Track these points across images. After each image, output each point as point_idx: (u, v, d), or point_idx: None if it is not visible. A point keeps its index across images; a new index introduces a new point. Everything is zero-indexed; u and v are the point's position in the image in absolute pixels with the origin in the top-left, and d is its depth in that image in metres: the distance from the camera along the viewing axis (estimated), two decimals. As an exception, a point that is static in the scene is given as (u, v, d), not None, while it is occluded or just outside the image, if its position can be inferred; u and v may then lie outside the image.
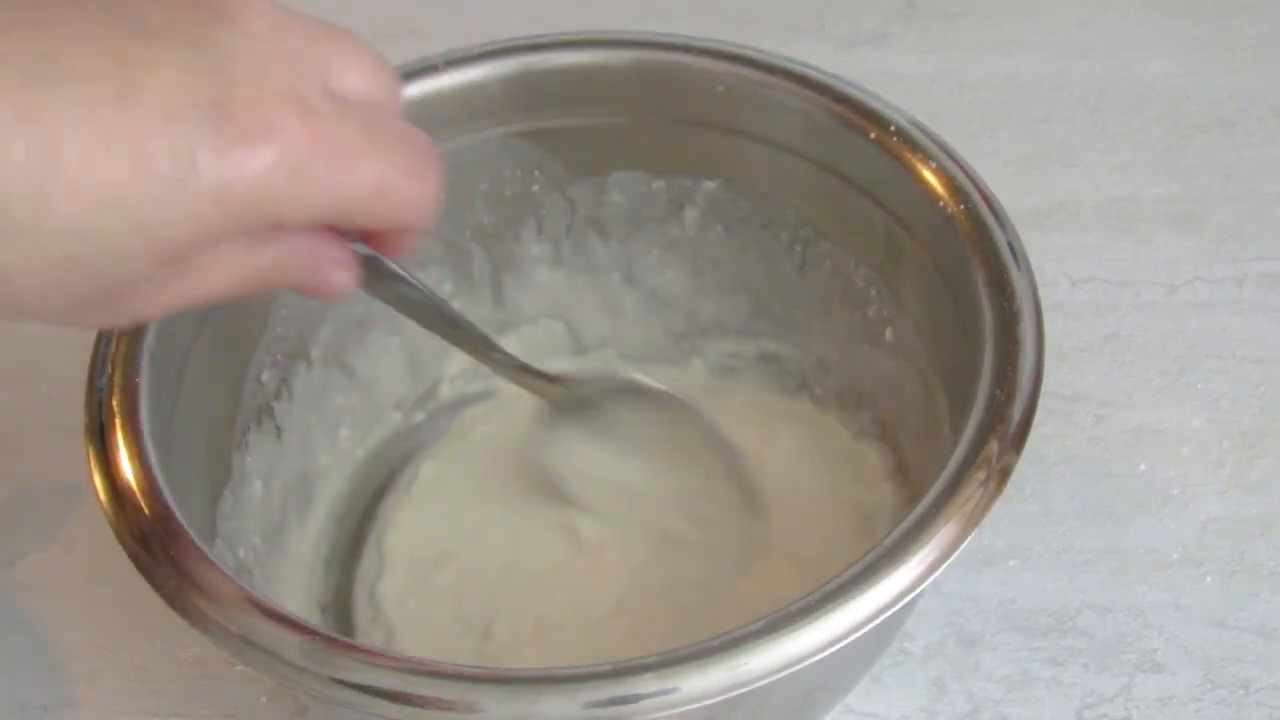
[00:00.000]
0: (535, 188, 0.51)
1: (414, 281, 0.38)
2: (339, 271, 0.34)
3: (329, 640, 0.34)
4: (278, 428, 0.48)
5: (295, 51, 0.31)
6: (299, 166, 0.30)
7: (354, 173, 0.31)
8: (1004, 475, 0.37)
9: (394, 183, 0.32)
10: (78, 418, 0.40)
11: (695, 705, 0.33)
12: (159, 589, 0.36)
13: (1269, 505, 0.51)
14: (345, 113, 0.31)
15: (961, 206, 0.43)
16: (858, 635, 0.34)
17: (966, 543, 0.35)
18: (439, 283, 0.52)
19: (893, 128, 0.45)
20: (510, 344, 0.54)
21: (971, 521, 0.36)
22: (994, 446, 0.37)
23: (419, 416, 0.54)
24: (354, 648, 0.34)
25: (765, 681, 0.33)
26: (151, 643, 0.49)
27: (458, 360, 0.53)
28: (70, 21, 0.28)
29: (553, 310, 0.54)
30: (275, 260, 0.32)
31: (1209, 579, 0.49)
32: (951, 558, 0.35)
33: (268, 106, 0.29)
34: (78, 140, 0.27)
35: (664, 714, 0.33)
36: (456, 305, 0.52)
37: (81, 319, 0.30)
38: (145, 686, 0.48)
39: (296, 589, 0.47)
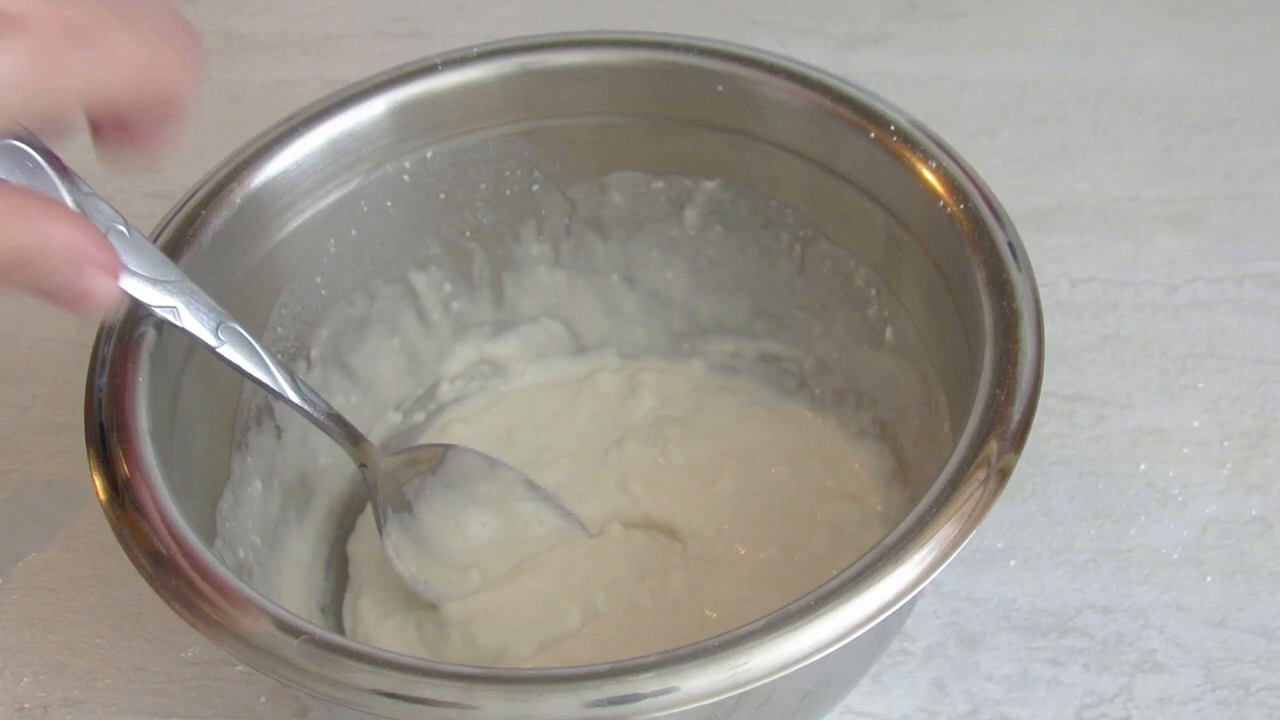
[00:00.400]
0: (535, 188, 0.51)
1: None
2: (99, 275, 0.33)
3: (329, 640, 0.35)
4: (278, 428, 0.48)
5: None
6: (52, 56, 0.29)
7: (111, 52, 0.31)
8: (1004, 475, 0.37)
9: (152, 55, 0.31)
10: (78, 418, 0.40)
11: (695, 705, 0.33)
12: (159, 589, 0.36)
13: (1269, 505, 0.51)
14: None
15: (961, 206, 0.43)
16: (858, 635, 0.34)
17: (966, 543, 0.35)
18: (439, 283, 0.52)
19: (893, 127, 0.45)
20: (510, 344, 0.54)
21: (971, 521, 0.36)
22: (994, 446, 0.37)
23: (419, 416, 0.53)
24: (354, 648, 0.34)
25: (765, 681, 0.33)
26: (151, 643, 0.49)
27: (458, 360, 0.53)
28: None
29: (553, 310, 0.54)
30: (30, 245, 0.31)
31: (1209, 579, 0.49)
32: (951, 558, 0.35)
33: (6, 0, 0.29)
34: None
35: (664, 714, 0.33)
36: (456, 305, 0.53)
37: None
38: (145, 686, 0.48)
39: (296, 589, 0.47)
